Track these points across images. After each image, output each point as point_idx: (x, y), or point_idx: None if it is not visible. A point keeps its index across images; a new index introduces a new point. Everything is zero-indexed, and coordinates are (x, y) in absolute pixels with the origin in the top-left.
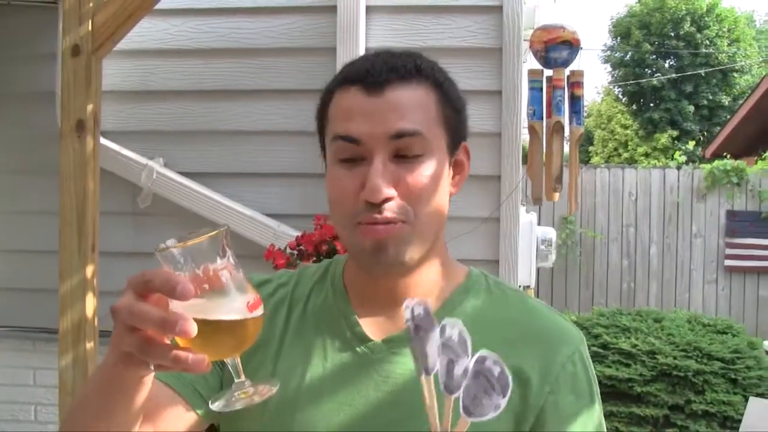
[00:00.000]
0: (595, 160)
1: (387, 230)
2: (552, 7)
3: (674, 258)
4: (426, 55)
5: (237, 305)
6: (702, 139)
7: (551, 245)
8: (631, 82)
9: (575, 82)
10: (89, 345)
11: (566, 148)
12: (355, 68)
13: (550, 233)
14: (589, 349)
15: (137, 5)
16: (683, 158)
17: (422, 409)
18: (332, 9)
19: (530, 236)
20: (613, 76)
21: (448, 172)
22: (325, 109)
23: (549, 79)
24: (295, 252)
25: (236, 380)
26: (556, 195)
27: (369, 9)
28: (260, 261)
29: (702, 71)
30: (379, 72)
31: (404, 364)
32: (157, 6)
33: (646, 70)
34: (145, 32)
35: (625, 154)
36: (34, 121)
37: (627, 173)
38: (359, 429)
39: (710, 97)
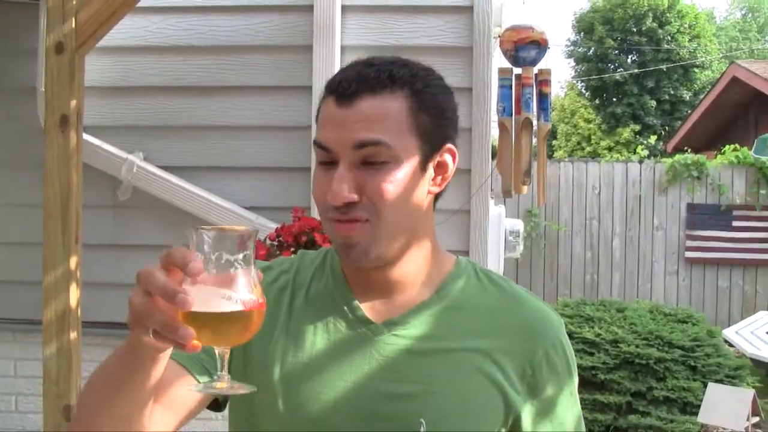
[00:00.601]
0: (558, 154)
1: (351, 228)
2: (518, 3)
3: (636, 250)
4: (399, 52)
5: (239, 299)
6: (663, 133)
7: (519, 237)
8: (594, 77)
9: (543, 80)
10: (73, 335)
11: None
12: (334, 79)
13: (518, 225)
14: None
15: (120, 3)
16: (645, 152)
17: (417, 386)
18: (309, 8)
19: (499, 228)
20: (576, 70)
21: (421, 175)
22: (318, 116)
23: (518, 77)
24: (275, 243)
25: (219, 372)
26: (525, 188)
27: (344, 8)
28: None
29: (664, 66)
30: (349, 84)
31: (401, 344)
32: (138, 3)
33: (609, 65)
34: (125, 29)
35: (588, 148)
36: (16, 116)
37: (590, 167)
38: (357, 400)
39: (672, 92)
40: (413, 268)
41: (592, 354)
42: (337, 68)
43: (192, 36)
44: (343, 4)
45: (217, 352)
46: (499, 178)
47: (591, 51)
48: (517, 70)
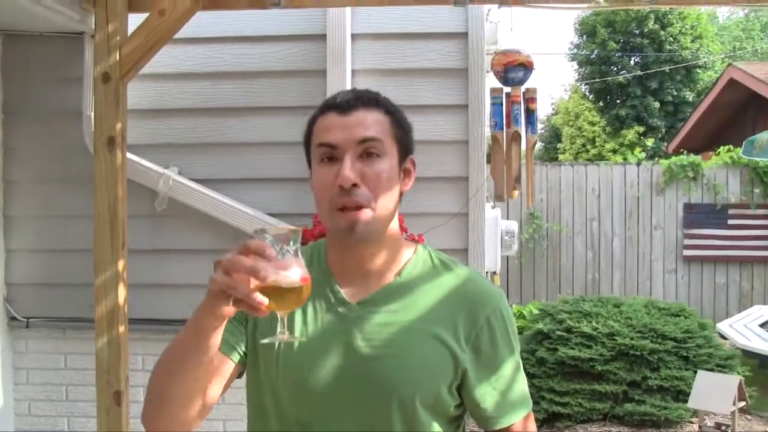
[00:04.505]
0: (563, 156)
1: (356, 214)
2: (517, 16)
3: (636, 249)
4: (403, 74)
5: (296, 278)
6: (666, 133)
7: (514, 236)
8: (598, 79)
9: (530, 98)
10: (121, 329)
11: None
12: (330, 100)
13: (513, 226)
14: (553, 333)
15: (158, 38)
16: (643, 155)
17: (384, 350)
18: (322, 37)
19: (495, 229)
20: (579, 73)
21: (398, 174)
22: (310, 131)
23: (508, 95)
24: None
25: (279, 329)
26: (516, 193)
27: (354, 36)
28: None
29: (666, 68)
30: (347, 100)
31: (372, 319)
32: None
33: (612, 67)
34: (160, 58)
35: (593, 150)
36: (63, 136)
37: (590, 170)
38: (340, 363)
39: (675, 93)
40: (383, 253)
41: (589, 347)
42: (348, 88)
43: (219, 63)
44: (353, 32)
45: (279, 315)
46: (493, 184)
47: (594, 54)
48: (507, 89)
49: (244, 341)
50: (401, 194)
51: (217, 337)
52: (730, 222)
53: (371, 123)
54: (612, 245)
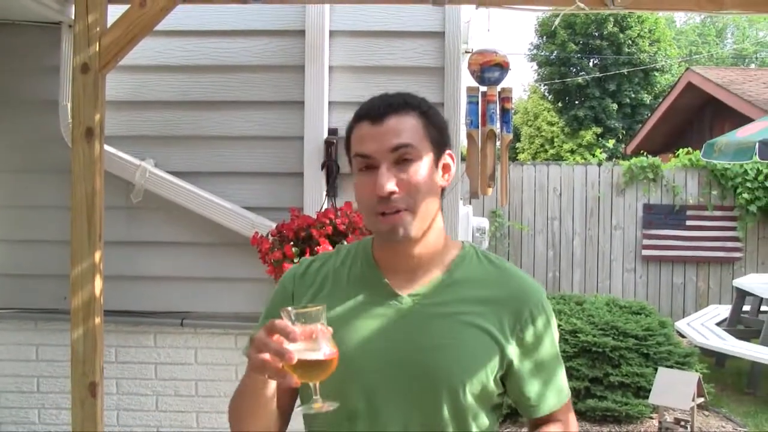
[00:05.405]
0: (522, 156)
1: (395, 218)
2: (478, 15)
3: (596, 248)
4: (380, 72)
5: (322, 352)
6: (624, 135)
7: (485, 233)
8: (557, 80)
9: (505, 98)
10: (97, 320)
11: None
12: (363, 109)
13: (484, 223)
14: None
15: (139, 30)
16: (604, 155)
17: (435, 341)
18: (301, 32)
19: (467, 225)
20: (539, 74)
21: (436, 172)
22: (349, 140)
23: (483, 94)
24: (277, 238)
25: (314, 396)
26: (490, 190)
27: (332, 33)
28: (242, 246)
29: (625, 70)
30: (378, 108)
31: (423, 310)
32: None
33: (571, 68)
34: (138, 50)
35: (552, 151)
36: (38, 127)
37: (552, 170)
38: (392, 353)
39: (633, 96)
40: (431, 251)
41: None
42: (326, 85)
43: (197, 56)
44: (331, 29)
45: (311, 384)
46: (467, 181)
47: (553, 54)
48: (483, 89)
49: None
50: (443, 190)
51: (271, 384)
52: (688, 223)
53: (403, 129)
54: (572, 244)
